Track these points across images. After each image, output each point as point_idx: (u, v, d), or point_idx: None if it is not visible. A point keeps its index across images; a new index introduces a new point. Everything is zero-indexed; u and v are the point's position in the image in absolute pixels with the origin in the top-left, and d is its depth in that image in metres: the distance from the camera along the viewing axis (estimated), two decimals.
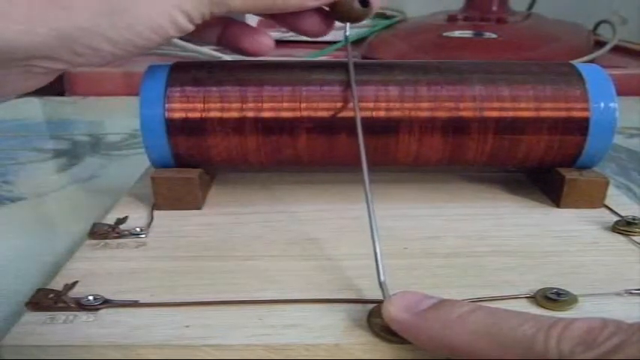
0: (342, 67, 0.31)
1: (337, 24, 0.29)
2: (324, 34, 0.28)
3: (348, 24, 0.29)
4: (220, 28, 0.29)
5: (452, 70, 0.31)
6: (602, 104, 0.30)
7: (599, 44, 0.81)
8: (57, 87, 0.72)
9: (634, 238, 0.28)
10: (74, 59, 0.22)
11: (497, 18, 0.80)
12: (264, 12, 0.26)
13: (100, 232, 0.28)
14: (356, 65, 0.31)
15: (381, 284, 0.22)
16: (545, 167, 0.32)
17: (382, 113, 0.30)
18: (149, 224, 0.29)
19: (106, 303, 0.22)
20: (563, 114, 0.30)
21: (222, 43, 0.30)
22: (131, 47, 0.23)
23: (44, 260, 0.30)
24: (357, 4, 0.26)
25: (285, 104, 0.30)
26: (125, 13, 0.22)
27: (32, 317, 0.21)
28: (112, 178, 0.44)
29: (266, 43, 0.29)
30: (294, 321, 0.21)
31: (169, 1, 0.23)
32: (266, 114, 0.30)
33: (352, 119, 0.30)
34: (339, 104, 0.30)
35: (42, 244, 0.32)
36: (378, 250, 0.23)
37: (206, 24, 0.25)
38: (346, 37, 0.31)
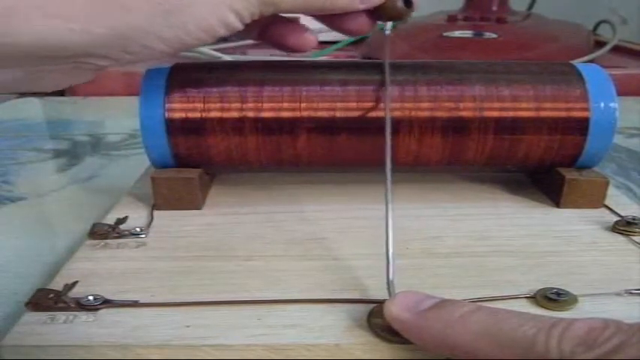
0: (342, 67, 0.31)
1: None
2: (368, 32, 0.28)
3: (389, 23, 0.29)
4: (262, 24, 0.29)
5: (452, 70, 0.31)
6: (602, 104, 0.30)
7: (599, 44, 0.81)
8: None
9: (634, 238, 0.28)
10: (124, 57, 0.22)
11: (497, 18, 0.80)
12: (313, 13, 0.26)
13: (100, 232, 0.28)
14: (356, 65, 0.31)
15: (389, 283, 0.22)
16: (545, 167, 0.32)
17: (382, 113, 0.30)
18: (149, 224, 0.29)
19: (106, 303, 0.22)
20: (563, 114, 0.30)
21: (264, 39, 0.29)
22: (180, 46, 0.23)
23: (44, 260, 0.30)
24: (400, 4, 0.26)
25: (285, 104, 0.30)
26: (180, 13, 0.22)
27: (32, 317, 0.21)
28: (112, 178, 0.44)
29: (311, 39, 0.29)
30: (294, 321, 0.21)
31: (222, 1, 0.23)
32: (266, 114, 0.30)
33: (352, 119, 0.30)
34: (339, 104, 0.30)
35: (42, 244, 0.32)
36: (390, 249, 0.23)
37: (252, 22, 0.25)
38: (386, 35, 0.31)
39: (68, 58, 0.21)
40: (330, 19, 0.27)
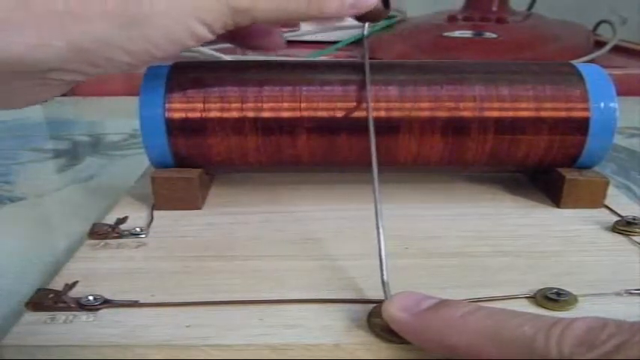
0: (342, 67, 0.31)
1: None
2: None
3: (367, 23, 0.29)
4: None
5: (452, 70, 0.31)
6: (602, 104, 0.30)
7: (599, 44, 0.81)
8: None
9: (634, 238, 0.28)
10: (90, 70, 0.22)
11: (497, 18, 0.80)
12: (294, 20, 0.25)
13: (100, 232, 0.28)
14: (356, 65, 0.31)
15: (383, 283, 0.22)
16: (545, 167, 0.32)
17: (382, 113, 0.30)
18: (149, 224, 0.29)
19: (106, 303, 0.22)
20: (563, 114, 0.30)
21: (235, 41, 0.29)
22: (148, 57, 0.22)
23: (44, 260, 0.30)
24: (380, 6, 0.26)
25: (285, 104, 0.30)
26: (143, 25, 0.21)
27: (32, 317, 0.21)
28: (112, 178, 0.44)
29: (280, 40, 0.29)
30: (294, 321, 0.21)
31: (188, 13, 0.22)
32: (266, 114, 0.30)
33: (352, 119, 0.30)
34: (339, 104, 0.30)
35: (42, 244, 0.32)
36: (382, 249, 0.23)
37: None
38: (364, 37, 0.31)
39: (31, 74, 0.21)
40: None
